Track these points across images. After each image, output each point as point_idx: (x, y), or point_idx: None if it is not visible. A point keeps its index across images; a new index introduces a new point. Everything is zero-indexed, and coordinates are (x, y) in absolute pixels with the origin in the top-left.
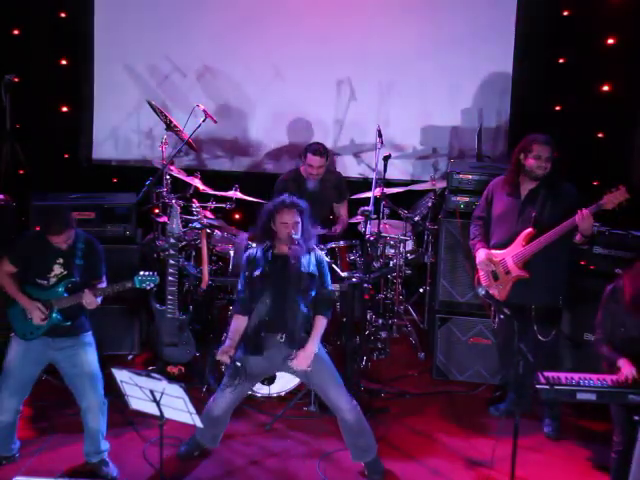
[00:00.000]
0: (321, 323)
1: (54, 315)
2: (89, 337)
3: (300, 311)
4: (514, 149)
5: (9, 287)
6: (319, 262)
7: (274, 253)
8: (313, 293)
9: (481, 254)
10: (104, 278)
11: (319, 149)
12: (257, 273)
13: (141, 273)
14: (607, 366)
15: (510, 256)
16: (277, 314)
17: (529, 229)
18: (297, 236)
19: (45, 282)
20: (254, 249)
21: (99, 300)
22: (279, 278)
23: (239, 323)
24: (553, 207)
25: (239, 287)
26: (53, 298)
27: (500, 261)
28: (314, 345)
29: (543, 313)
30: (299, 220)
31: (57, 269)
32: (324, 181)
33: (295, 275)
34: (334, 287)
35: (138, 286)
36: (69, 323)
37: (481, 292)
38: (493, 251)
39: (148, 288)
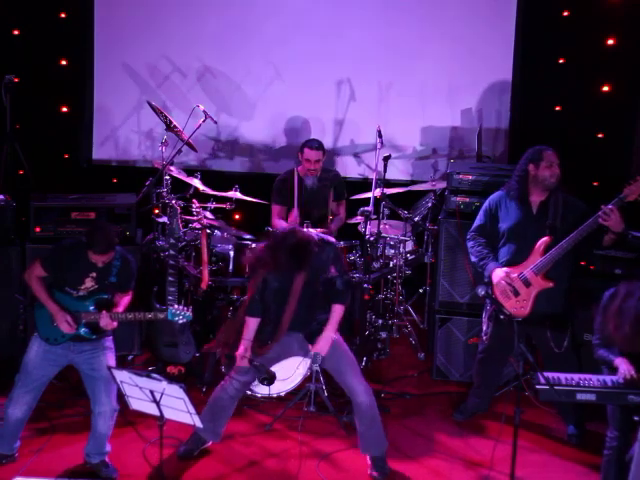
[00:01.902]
0: (338, 310)
1: (82, 329)
2: (110, 341)
3: (317, 315)
4: (519, 163)
5: (39, 291)
6: (335, 255)
7: None
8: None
9: (498, 273)
10: (130, 293)
11: (315, 143)
12: (273, 286)
13: (175, 306)
14: (607, 370)
15: (529, 268)
16: (294, 320)
17: (546, 237)
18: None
19: (74, 292)
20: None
21: (115, 323)
22: (288, 284)
23: (252, 324)
24: (565, 215)
25: (253, 290)
26: (82, 311)
27: (518, 275)
28: (332, 331)
29: (557, 320)
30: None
31: (89, 282)
32: (322, 180)
33: (312, 287)
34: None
35: (170, 319)
36: (95, 337)
37: (481, 292)
38: (507, 268)
39: (180, 322)
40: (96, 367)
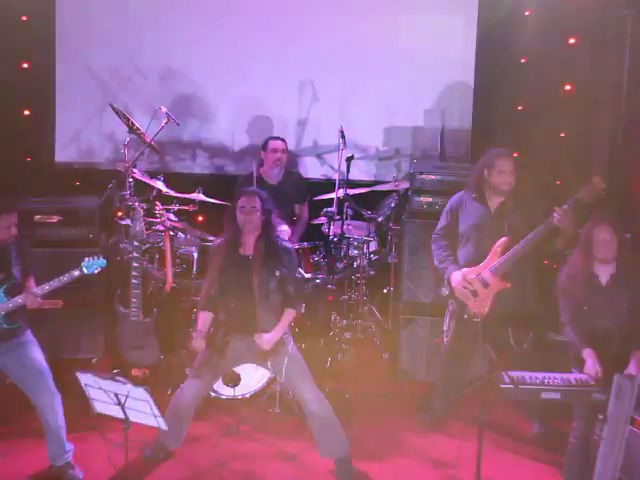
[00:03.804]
0: (289, 315)
1: (1, 321)
2: (30, 335)
3: (266, 314)
4: (477, 164)
5: None
6: (289, 259)
7: (240, 253)
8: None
9: (456, 276)
10: (31, 277)
11: (277, 136)
12: (222, 275)
13: (86, 259)
14: (572, 354)
15: (487, 269)
16: (242, 317)
17: (503, 238)
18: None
19: None
20: (218, 243)
21: (39, 300)
22: (245, 281)
23: (205, 317)
24: (524, 216)
25: (205, 283)
26: None
27: (477, 277)
28: (280, 331)
29: (519, 319)
30: (257, 206)
31: None
32: (284, 181)
33: (261, 278)
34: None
35: (87, 272)
36: (16, 325)
37: (445, 292)
38: (466, 269)
39: (96, 272)
40: (26, 362)
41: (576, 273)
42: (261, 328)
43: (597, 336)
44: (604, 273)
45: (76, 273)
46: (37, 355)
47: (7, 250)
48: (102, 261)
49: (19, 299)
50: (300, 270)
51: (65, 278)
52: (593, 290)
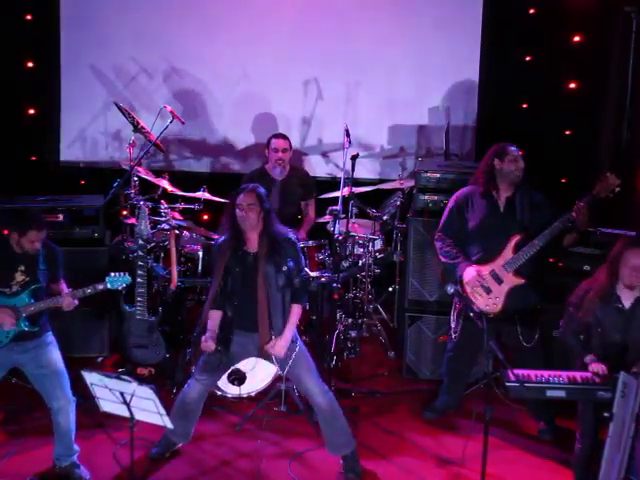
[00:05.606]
0: (297, 311)
1: (23, 323)
2: (51, 336)
3: (274, 309)
4: (484, 159)
5: None
6: (293, 251)
7: (244, 250)
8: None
9: (470, 271)
10: (62, 281)
11: (280, 134)
12: (227, 273)
13: (112, 274)
14: (577, 362)
15: (501, 265)
16: (247, 314)
17: (517, 235)
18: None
19: (7, 290)
20: (220, 241)
21: (76, 301)
22: (251, 278)
23: (215, 316)
24: (532, 212)
25: (213, 283)
26: (20, 305)
27: (490, 273)
28: (290, 333)
29: (526, 316)
30: (254, 202)
31: (19, 277)
32: (291, 179)
33: (267, 274)
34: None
35: (111, 287)
36: (37, 329)
37: (450, 290)
38: (478, 266)
39: (120, 288)
40: (44, 364)
41: (599, 293)
42: (270, 326)
43: (608, 350)
44: (628, 296)
45: (100, 287)
46: (55, 357)
47: (35, 255)
48: (127, 278)
49: (37, 306)
50: (305, 268)
51: (89, 290)
52: (613, 313)
